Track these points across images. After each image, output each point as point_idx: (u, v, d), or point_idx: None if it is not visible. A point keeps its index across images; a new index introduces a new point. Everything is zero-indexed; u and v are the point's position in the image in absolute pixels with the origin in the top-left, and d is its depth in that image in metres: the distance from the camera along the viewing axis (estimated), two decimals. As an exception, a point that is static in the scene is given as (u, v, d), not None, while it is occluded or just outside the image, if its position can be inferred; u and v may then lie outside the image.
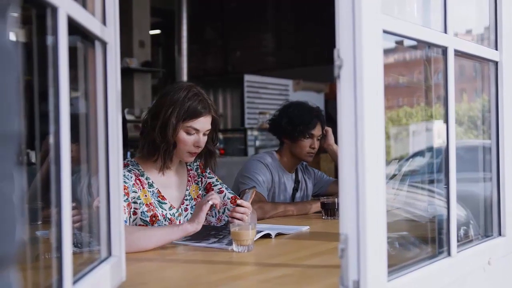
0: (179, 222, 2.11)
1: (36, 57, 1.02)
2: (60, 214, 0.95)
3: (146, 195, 2.05)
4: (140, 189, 2.03)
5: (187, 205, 2.17)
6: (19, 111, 0.56)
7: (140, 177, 2.07)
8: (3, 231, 0.53)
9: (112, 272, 1.26)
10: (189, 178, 2.22)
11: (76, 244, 1.25)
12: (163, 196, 2.10)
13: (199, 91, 2.07)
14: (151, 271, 1.57)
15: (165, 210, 2.08)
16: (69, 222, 0.96)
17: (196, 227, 1.83)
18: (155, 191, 2.08)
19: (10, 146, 0.54)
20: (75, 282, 1.03)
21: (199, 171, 2.26)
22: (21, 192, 0.58)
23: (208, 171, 2.27)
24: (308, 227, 2.26)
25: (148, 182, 2.08)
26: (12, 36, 0.57)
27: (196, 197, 2.21)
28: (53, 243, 1.13)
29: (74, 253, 1.02)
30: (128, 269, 1.37)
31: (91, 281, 1.12)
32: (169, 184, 2.14)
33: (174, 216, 2.10)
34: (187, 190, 2.19)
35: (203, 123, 2.06)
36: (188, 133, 2.05)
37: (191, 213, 2.16)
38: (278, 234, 2.07)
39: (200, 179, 2.25)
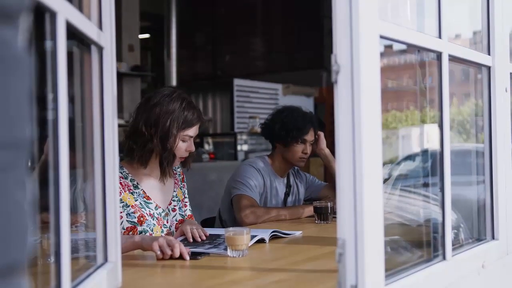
0: (167, 222, 2.19)
1: (33, 62, 1.01)
2: (59, 220, 0.94)
3: (129, 197, 2.09)
4: (122, 192, 2.08)
5: (174, 205, 2.25)
6: (31, 118, 0.56)
7: (124, 179, 2.12)
8: (15, 239, 0.52)
9: (108, 278, 1.25)
10: (176, 181, 2.31)
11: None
12: (148, 196, 2.16)
13: (190, 100, 2.18)
14: (147, 277, 1.56)
15: (152, 209, 2.14)
16: (67, 229, 0.95)
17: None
18: (141, 192, 2.14)
19: (22, 154, 0.53)
20: (72, 288, 1.02)
21: (180, 178, 2.35)
22: (32, 199, 0.57)
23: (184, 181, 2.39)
24: (301, 232, 2.26)
25: (133, 184, 2.14)
26: (23, 43, 0.57)
27: (181, 199, 2.30)
28: (46, 249, 1.11)
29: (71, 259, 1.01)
30: (124, 275, 1.36)
31: (88, 287, 1.11)
32: (155, 186, 2.20)
33: (161, 215, 2.17)
34: (174, 191, 2.27)
35: (196, 129, 2.19)
36: (184, 141, 2.15)
37: (179, 213, 2.25)
38: (273, 236, 2.07)
39: (181, 185, 2.35)
